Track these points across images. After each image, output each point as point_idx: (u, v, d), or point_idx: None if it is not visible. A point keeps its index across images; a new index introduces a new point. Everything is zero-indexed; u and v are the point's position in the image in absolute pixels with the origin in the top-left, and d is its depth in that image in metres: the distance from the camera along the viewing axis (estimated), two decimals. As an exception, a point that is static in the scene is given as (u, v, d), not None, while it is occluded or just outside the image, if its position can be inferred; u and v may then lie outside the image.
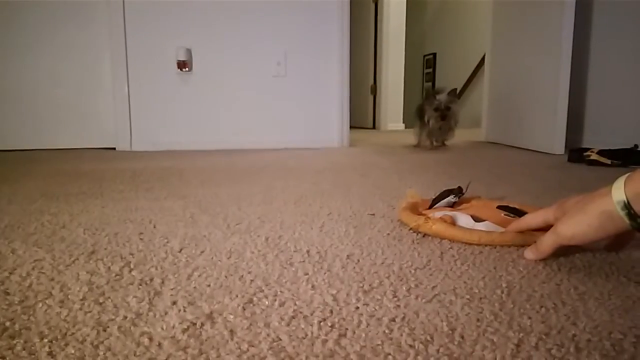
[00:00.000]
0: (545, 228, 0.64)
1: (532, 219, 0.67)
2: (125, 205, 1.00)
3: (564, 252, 0.65)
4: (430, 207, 0.87)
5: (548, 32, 2.27)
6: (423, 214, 0.81)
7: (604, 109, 2.44)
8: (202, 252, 0.67)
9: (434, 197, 0.88)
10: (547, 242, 0.61)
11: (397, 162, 1.92)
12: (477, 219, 0.75)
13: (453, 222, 0.75)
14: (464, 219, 0.75)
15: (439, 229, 0.73)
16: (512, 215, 0.76)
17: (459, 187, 0.87)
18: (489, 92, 3.06)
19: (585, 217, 0.57)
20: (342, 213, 0.93)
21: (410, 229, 0.78)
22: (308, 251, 0.68)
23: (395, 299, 0.51)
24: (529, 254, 0.64)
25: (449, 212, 0.78)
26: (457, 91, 2.61)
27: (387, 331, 0.43)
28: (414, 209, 0.85)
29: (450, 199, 0.85)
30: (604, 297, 0.51)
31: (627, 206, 0.53)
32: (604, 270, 0.60)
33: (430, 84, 6.18)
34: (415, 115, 2.60)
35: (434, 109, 2.40)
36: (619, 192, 0.54)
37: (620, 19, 2.34)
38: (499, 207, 0.80)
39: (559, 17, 2.17)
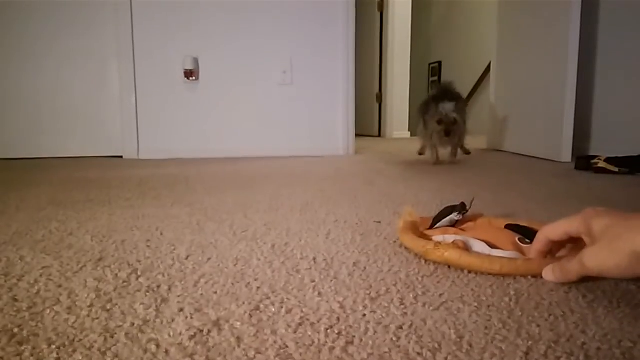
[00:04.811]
0: (565, 241, 0.59)
1: (552, 231, 0.60)
2: (132, 213, 1.01)
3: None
4: (432, 226, 0.78)
5: (554, 39, 2.27)
6: (427, 236, 0.73)
7: (612, 116, 2.43)
8: (209, 259, 0.67)
9: (434, 215, 0.79)
10: (573, 271, 0.55)
11: (402, 169, 1.92)
12: (491, 246, 0.67)
13: (466, 248, 0.66)
14: (479, 246, 0.67)
15: (452, 257, 0.63)
16: (526, 240, 0.68)
17: (462, 204, 0.78)
18: (495, 100, 3.05)
19: (614, 256, 0.50)
20: (348, 220, 0.93)
21: (417, 255, 0.69)
22: (314, 258, 0.68)
23: (403, 306, 0.50)
24: (549, 275, 0.58)
25: (459, 237, 0.70)
26: (467, 97, 2.25)
27: (394, 339, 0.43)
28: (414, 229, 0.76)
29: (453, 216, 0.77)
30: (613, 305, 0.51)
31: None
32: (612, 278, 0.59)
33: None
34: (417, 115, 2.20)
35: (437, 121, 1.97)
36: None
37: (628, 24, 2.34)
38: (507, 227, 0.73)
39: (565, 24, 2.17)
